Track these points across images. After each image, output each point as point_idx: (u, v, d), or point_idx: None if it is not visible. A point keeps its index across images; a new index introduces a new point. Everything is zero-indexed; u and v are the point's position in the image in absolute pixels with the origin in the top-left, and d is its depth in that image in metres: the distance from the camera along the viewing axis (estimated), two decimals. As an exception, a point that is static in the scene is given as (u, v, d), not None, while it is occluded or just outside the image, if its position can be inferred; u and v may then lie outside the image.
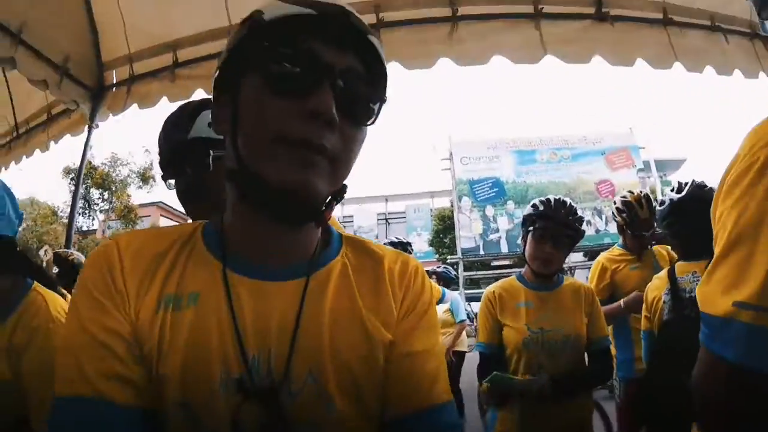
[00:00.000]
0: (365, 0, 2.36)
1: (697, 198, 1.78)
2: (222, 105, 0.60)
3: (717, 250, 0.68)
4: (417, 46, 2.38)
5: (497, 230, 16.33)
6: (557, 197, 1.89)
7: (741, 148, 0.69)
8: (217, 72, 0.61)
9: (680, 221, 1.86)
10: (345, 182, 0.61)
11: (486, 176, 16.75)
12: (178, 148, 1.08)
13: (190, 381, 0.53)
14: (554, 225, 1.79)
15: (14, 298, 1.16)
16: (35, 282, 1.21)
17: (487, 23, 2.38)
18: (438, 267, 5.51)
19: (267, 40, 0.54)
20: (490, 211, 16.69)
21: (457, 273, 12.71)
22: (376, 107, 0.60)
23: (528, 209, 1.91)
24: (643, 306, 1.95)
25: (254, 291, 0.58)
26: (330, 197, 0.59)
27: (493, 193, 16.77)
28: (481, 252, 16.22)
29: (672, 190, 1.94)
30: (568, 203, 1.86)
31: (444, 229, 20.46)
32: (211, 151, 1.04)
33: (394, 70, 2.38)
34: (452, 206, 18.88)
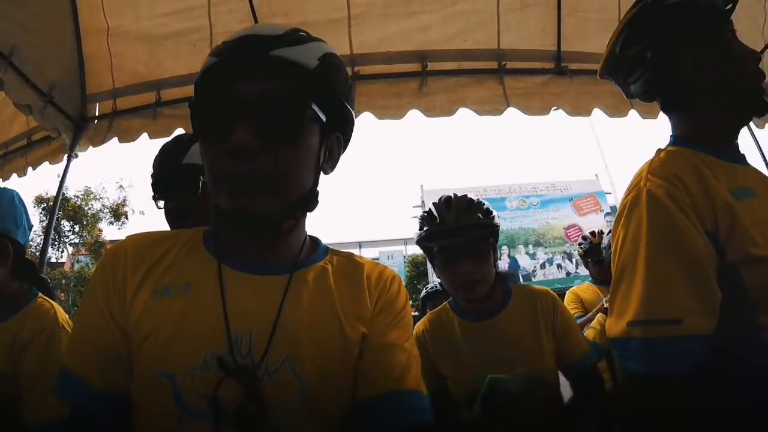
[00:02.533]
0: (341, 54, 2.50)
1: None
2: None
3: (612, 282, 0.78)
4: (389, 98, 2.52)
5: (470, 275, 16.38)
6: (439, 198, 1.37)
7: (629, 183, 0.81)
8: None
9: None
10: (317, 189, 0.68)
11: (458, 223, 16.87)
12: (171, 172, 1.16)
13: (174, 359, 0.59)
14: (454, 238, 1.30)
15: (20, 301, 1.21)
16: (40, 293, 1.26)
17: (454, 78, 2.56)
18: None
19: (195, 97, 0.64)
20: (462, 256, 16.81)
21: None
22: (311, 112, 0.62)
23: (415, 232, 1.41)
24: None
25: (243, 282, 0.66)
26: (294, 208, 0.67)
27: (465, 240, 16.75)
28: (454, 297, 16.18)
29: None
30: (453, 197, 1.35)
31: (417, 275, 20.35)
32: (201, 177, 1.13)
33: (367, 120, 2.53)
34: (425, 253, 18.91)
